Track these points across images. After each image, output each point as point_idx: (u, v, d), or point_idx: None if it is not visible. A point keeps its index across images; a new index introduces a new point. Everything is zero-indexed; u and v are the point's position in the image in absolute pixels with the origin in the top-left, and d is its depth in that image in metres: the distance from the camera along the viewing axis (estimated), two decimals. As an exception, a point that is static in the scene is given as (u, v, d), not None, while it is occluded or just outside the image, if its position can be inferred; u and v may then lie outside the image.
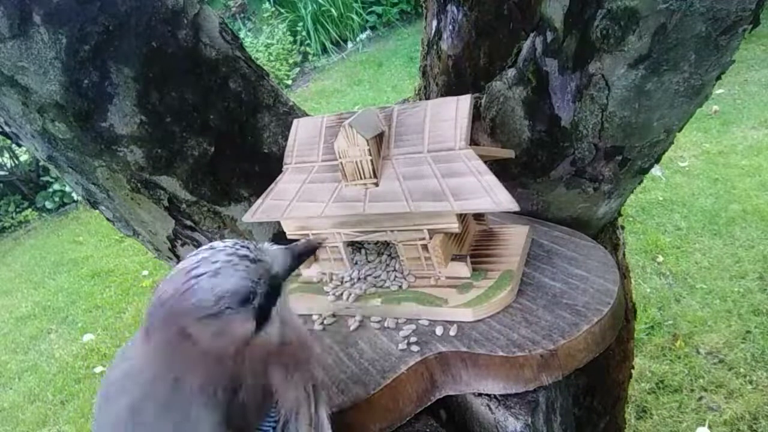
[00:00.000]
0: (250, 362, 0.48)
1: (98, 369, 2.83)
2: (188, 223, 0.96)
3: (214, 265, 0.47)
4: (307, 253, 0.54)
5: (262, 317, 0.50)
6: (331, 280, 0.81)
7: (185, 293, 0.46)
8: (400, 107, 0.76)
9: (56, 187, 4.86)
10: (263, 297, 0.49)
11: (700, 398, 1.87)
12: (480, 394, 0.65)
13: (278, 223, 0.84)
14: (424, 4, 1.17)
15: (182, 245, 0.99)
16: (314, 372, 0.55)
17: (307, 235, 0.81)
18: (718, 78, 0.71)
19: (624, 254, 1.17)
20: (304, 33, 6.28)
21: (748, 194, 2.69)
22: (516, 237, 0.78)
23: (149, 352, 0.48)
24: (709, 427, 1.76)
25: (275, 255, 0.51)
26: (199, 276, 0.46)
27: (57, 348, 3.10)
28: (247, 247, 0.49)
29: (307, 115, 0.97)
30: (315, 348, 0.60)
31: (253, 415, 0.48)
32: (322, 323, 0.76)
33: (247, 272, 0.48)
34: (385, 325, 0.72)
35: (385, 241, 0.79)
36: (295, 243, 0.54)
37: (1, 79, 0.78)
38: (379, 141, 0.74)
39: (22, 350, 3.18)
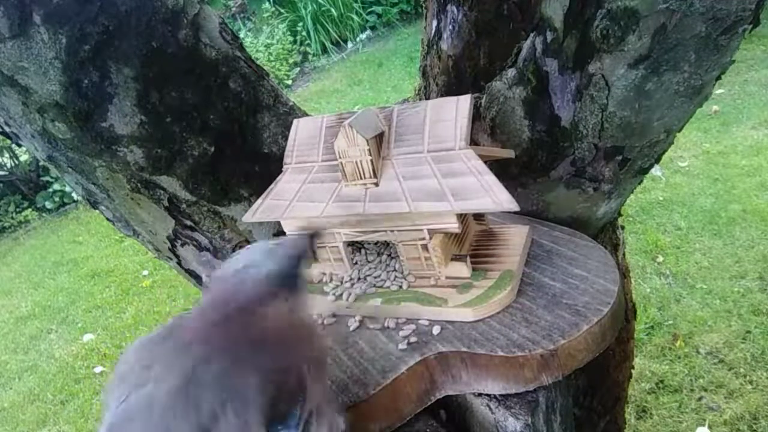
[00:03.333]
0: (297, 342, 0.54)
1: (98, 369, 2.83)
2: (188, 223, 0.96)
3: (258, 254, 0.57)
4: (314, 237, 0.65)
5: (301, 296, 0.58)
6: (331, 280, 0.81)
7: (239, 285, 0.54)
8: (400, 107, 0.76)
9: (56, 187, 4.85)
10: (295, 276, 0.57)
11: (700, 398, 1.87)
12: (480, 394, 0.65)
13: (278, 223, 0.84)
14: (424, 4, 1.17)
15: (182, 245, 0.99)
16: (326, 374, 0.59)
17: (307, 235, 0.81)
18: (718, 78, 0.71)
19: (624, 254, 1.17)
20: (304, 33, 6.28)
21: (748, 194, 2.69)
22: (516, 237, 0.78)
23: (207, 338, 0.51)
24: (709, 427, 1.76)
25: (291, 240, 0.62)
26: (246, 266, 0.56)
27: (57, 348, 3.10)
28: (275, 240, 0.60)
29: (307, 115, 0.97)
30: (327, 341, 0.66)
31: (286, 406, 0.50)
32: (322, 323, 0.76)
33: (282, 254, 0.57)
34: (385, 325, 0.72)
35: (385, 241, 0.79)
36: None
37: (1, 79, 0.78)
38: (379, 141, 0.74)
39: (22, 350, 3.18)
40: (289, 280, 0.56)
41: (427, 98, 1.21)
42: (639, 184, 0.91)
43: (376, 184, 0.73)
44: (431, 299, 0.71)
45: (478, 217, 0.82)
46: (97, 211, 1.02)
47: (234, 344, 0.50)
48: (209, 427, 0.44)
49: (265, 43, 6.05)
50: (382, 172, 0.74)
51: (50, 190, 4.89)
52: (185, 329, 0.52)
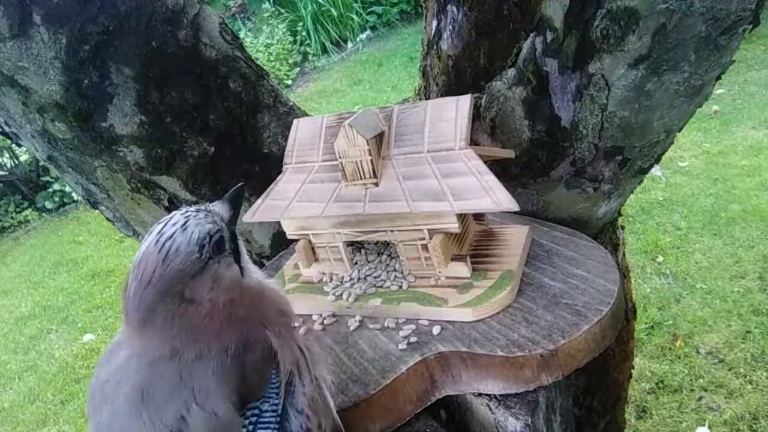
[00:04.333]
0: (250, 310, 0.50)
1: (98, 369, 2.83)
2: (188, 223, 0.96)
3: (178, 223, 0.48)
4: (238, 196, 0.56)
5: (239, 262, 0.52)
6: (331, 280, 0.81)
7: (167, 258, 0.47)
8: (400, 107, 0.76)
9: (56, 187, 4.86)
10: (231, 241, 0.52)
11: (700, 398, 1.87)
12: (480, 394, 0.65)
13: (278, 222, 0.84)
14: (424, 4, 1.17)
15: (182, 245, 0.99)
16: (298, 330, 0.56)
17: (307, 235, 0.81)
18: (718, 78, 0.71)
19: (624, 254, 1.17)
20: (304, 33, 6.28)
21: (748, 194, 2.69)
22: (516, 237, 0.78)
23: (146, 337, 0.48)
24: (709, 427, 1.76)
25: (217, 206, 0.54)
26: (171, 236, 0.47)
27: (57, 348, 3.10)
28: (195, 206, 0.51)
29: (307, 115, 0.97)
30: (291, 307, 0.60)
31: (257, 384, 0.49)
32: (322, 323, 0.76)
33: (209, 218, 0.50)
34: (385, 325, 0.72)
35: (385, 241, 0.79)
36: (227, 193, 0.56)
37: (1, 79, 0.78)
38: (379, 141, 0.74)
39: (22, 350, 3.18)
40: (220, 245, 0.50)
41: (427, 98, 1.21)
42: (639, 184, 0.91)
43: (376, 184, 0.73)
44: (431, 299, 0.71)
45: (478, 217, 0.82)
46: (97, 211, 1.02)
47: (178, 341, 0.47)
48: (180, 428, 0.44)
49: (265, 43, 6.05)
50: (382, 172, 0.74)
51: (50, 190, 4.89)
52: (124, 339, 0.50)
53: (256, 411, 0.47)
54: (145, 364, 0.47)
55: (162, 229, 0.48)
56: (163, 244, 0.47)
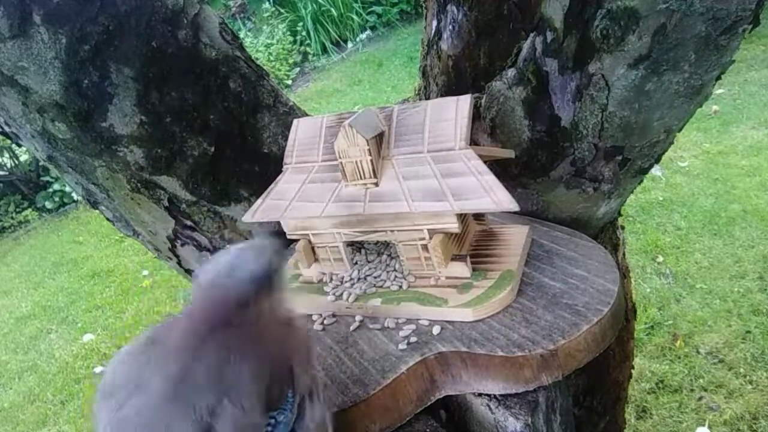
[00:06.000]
0: (279, 336, 0.54)
1: (98, 369, 2.83)
2: (188, 223, 0.96)
3: (234, 260, 0.56)
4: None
5: (281, 293, 0.57)
6: (331, 280, 0.81)
7: (222, 290, 0.53)
8: (400, 107, 0.77)
9: (56, 187, 4.85)
10: (277, 275, 0.57)
11: (700, 398, 1.87)
12: (480, 394, 0.65)
13: (278, 222, 0.84)
14: (424, 4, 1.17)
15: (182, 245, 0.99)
16: (314, 363, 0.59)
17: (307, 235, 0.81)
18: (718, 78, 0.71)
19: (624, 254, 1.17)
20: (304, 33, 6.28)
21: (748, 194, 2.68)
22: (516, 237, 0.78)
23: (192, 330, 0.51)
24: (709, 427, 1.76)
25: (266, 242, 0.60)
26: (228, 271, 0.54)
27: (57, 348, 3.10)
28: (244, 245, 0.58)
29: (307, 115, 0.97)
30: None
31: (277, 395, 0.51)
32: (322, 323, 0.76)
33: (260, 255, 0.56)
34: (385, 325, 0.72)
35: (385, 241, 0.79)
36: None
37: (1, 79, 0.79)
38: (379, 141, 0.74)
39: (22, 350, 3.18)
40: (269, 279, 0.56)
41: (427, 98, 1.21)
42: (639, 184, 0.91)
43: (376, 184, 0.73)
44: (431, 299, 0.71)
45: (478, 217, 0.82)
46: (97, 211, 1.02)
47: (223, 343, 0.50)
48: (210, 422, 0.45)
49: (265, 43, 6.04)
50: (382, 172, 0.74)
51: (50, 190, 4.89)
52: (172, 336, 0.51)
53: (273, 421, 0.49)
54: (189, 358, 0.49)
55: (223, 261, 0.56)
56: (222, 278, 0.54)
